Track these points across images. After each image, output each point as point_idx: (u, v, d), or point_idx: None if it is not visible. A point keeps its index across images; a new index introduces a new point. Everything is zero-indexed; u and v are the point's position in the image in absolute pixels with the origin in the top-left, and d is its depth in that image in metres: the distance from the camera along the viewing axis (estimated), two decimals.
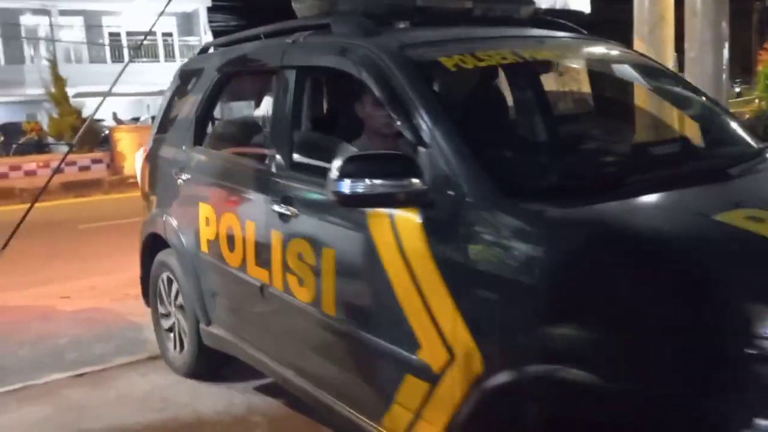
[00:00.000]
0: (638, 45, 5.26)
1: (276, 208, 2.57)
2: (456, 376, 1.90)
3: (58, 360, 3.95)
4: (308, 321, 2.48)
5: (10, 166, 14.82)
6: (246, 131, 3.48)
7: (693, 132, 2.87)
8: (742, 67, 23.19)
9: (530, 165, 2.23)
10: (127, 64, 5.60)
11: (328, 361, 2.47)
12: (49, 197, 11.12)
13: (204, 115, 3.40)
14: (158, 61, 25.98)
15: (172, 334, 3.61)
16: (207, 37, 23.56)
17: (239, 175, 2.96)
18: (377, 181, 1.96)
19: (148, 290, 3.79)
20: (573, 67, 3.17)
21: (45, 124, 19.27)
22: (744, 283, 1.53)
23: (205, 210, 3.12)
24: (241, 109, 5.79)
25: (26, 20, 26.10)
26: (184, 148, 3.42)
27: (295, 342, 2.66)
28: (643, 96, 3.17)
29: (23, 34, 25.85)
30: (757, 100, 10.73)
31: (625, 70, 3.01)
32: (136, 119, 22.49)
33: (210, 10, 26.72)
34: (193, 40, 26.23)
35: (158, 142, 3.74)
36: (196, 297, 3.27)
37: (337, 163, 1.99)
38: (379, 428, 2.23)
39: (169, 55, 26.86)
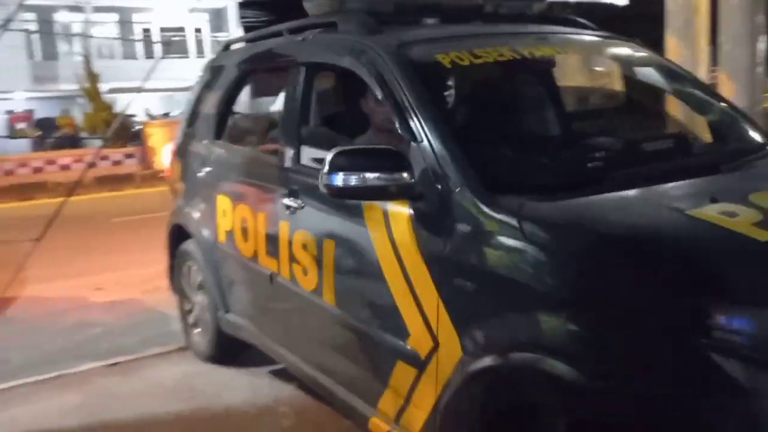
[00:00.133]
0: (671, 39, 5.18)
1: (284, 201, 2.69)
2: (440, 363, 1.99)
3: (91, 349, 4.05)
4: (311, 309, 2.62)
5: (46, 160, 15.15)
6: (263, 126, 3.62)
7: (691, 126, 2.85)
8: None
9: (515, 160, 2.27)
10: (158, 61, 5.69)
11: (330, 349, 2.61)
12: (83, 191, 11.37)
13: (224, 110, 3.54)
14: (188, 58, 26.30)
15: (194, 321, 3.76)
16: (238, 33, 23.79)
17: (254, 169, 3.10)
18: (366, 175, 2.05)
19: (174, 278, 3.97)
20: (572, 62, 3.17)
21: (79, 119, 19.64)
22: (706, 277, 1.55)
23: (222, 202, 3.26)
24: (269, 104, 5.85)
25: (61, 17, 26.62)
26: (205, 142, 3.57)
27: (301, 330, 2.80)
28: (639, 89, 3.14)
29: (58, 30, 26.37)
30: None
31: (626, 65, 3.02)
32: (166, 114, 22.81)
33: (241, 5, 26.85)
34: (223, 37, 26.53)
35: (186, 137, 3.87)
36: (215, 286, 3.41)
37: (328, 157, 2.08)
38: (375, 412, 2.34)
39: (200, 51, 27.15)
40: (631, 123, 3.10)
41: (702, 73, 5.12)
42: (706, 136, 2.75)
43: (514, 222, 1.81)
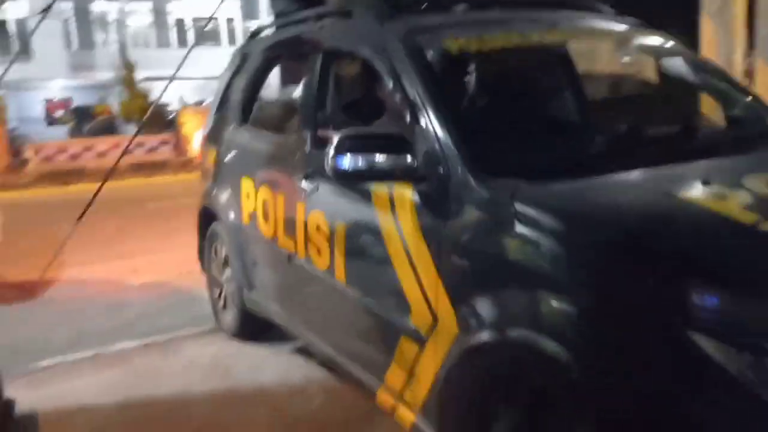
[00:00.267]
0: (706, 22, 5.08)
1: (301, 183, 2.79)
2: (438, 339, 2.07)
3: (129, 329, 4.18)
4: (325, 288, 2.73)
5: (84, 147, 15.50)
6: (286, 112, 3.70)
7: (706, 111, 2.81)
8: None
9: (513, 144, 2.28)
10: (191, 49, 5.78)
11: (343, 326, 2.73)
12: (119, 177, 11.60)
13: (250, 96, 3.65)
14: (220, 46, 26.52)
15: (221, 298, 3.90)
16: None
17: (275, 153, 3.21)
18: (371, 157, 2.12)
19: (204, 258, 4.12)
20: (582, 48, 3.16)
21: (115, 107, 19.97)
22: (693, 259, 1.56)
23: (246, 185, 3.37)
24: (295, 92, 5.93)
25: (97, 6, 27.06)
26: (232, 127, 3.69)
27: (317, 308, 2.91)
28: (646, 73, 3.11)
29: (94, 20, 26.78)
30: None
31: (636, 51, 3.01)
32: (199, 102, 23.10)
33: None
34: (255, 25, 26.65)
35: (215, 122, 3.99)
36: (240, 265, 3.54)
37: (334, 140, 2.15)
38: (383, 385, 2.43)
39: (232, 40, 27.37)
40: (639, 108, 3.08)
41: (738, 58, 5.01)
42: (721, 121, 2.73)
43: (508, 203, 1.86)
